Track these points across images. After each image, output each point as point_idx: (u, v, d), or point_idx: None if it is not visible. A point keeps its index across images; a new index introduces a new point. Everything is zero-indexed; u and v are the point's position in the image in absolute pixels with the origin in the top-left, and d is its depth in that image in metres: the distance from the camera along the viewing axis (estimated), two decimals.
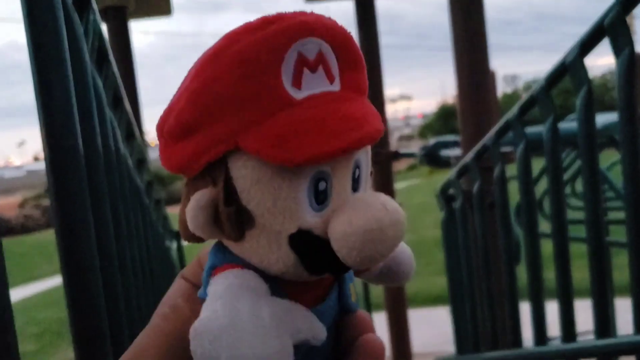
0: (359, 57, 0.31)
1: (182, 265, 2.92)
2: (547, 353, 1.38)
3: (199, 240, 0.32)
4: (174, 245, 2.71)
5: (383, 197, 0.29)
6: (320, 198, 0.29)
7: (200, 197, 0.29)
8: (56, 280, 7.98)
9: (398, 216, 0.28)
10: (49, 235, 13.31)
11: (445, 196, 2.21)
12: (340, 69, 0.30)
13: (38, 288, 7.99)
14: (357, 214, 0.28)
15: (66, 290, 0.55)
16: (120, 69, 0.96)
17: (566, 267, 1.30)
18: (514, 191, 1.64)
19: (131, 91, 3.68)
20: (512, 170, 1.65)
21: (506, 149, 1.71)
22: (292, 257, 0.29)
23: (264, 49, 0.27)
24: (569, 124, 2.76)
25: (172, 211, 2.67)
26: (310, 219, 0.29)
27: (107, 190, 0.68)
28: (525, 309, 1.57)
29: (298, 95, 0.28)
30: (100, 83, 0.73)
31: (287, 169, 0.27)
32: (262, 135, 0.27)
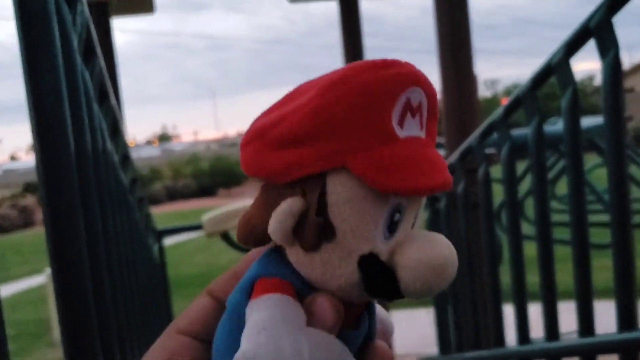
0: (437, 109, 0.35)
1: (163, 265, 2.89)
2: (531, 352, 1.39)
3: (255, 244, 0.34)
4: (156, 246, 2.68)
5: (445, 238, 0.32)
6: (391, 228, 0.31)
7: (293, 204, 0.31)
8: (33, 281, 7.86)
9: (455, 257, 0.32)
10: (25, 236, 13.13)
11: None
12: (427, 119, 0.33)
13: (14, 289, 7.86)
14: (429, 247, 0.31)
15: (55, 287, 0.54)
16: None
17: (550, 265, 1.31)
18: (495, 194, 1.66)
19: (113, 90, 3.63)
20: (494, 173, 1.66)
21: (489, 151, 1.72)
22: (357, 276, 0.31)
23: (384, 86, 0.30)
24: (549, 127, 2.79)
25: (152, 211, 2.64)
26: (381, 244, 0.31)
27: (95, 188, 0.67)
28: (507, 312, 1.58)
29: (401, 134, 0.31)
30: (88, 76, 0.72)
31: (377, 195, 0.30)
32: (369, 161, 0.30)
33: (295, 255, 0.33)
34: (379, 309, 0.40)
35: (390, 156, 0.30)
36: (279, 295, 0.31)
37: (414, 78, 0.31)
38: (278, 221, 0.31)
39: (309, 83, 0.33)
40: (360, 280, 0.31)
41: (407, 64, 0.32)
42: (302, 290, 0.33)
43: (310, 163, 0.31)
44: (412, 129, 0.32)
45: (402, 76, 0.31)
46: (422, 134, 0.33)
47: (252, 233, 0.34)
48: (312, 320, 0.31)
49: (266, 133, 0.32)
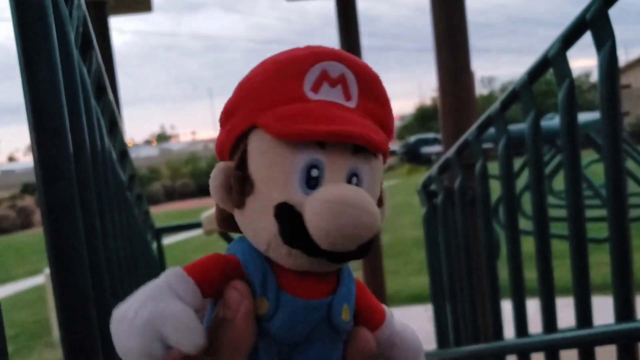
0: (383, 95, 0.37)
1: (162, 263, 2.88)
2: (529, 344, 1.39)
3: (229, 227, 0.38)
4: (154, 244, 2.68)
5: (359, 189, 0.33)
6: (311, 183, 0.33)
7: (221, 164, 0.36)
8: (31, 282, 7.85)
9: (368, 204, 0.32)
10: (24, 236, 13.10)
11: (427, 192, 2.22)
12: (359, 95, 0.36)
13: (13, 289, 7.85)
14: (331, 189, 0.32)
15: (54, 284, 0.54)
16: None
17: (547, 260, 1.31)
18: (492, 189, 1.65)
19: (112, 90, 3.60)
20: (492, 169, 1.66)
21: (487, 145, 1.72)
22: (275, 227, 0.33)
23: (296, 61, 0.35)
24: (545, 123, 2.79)
25: (151, 211, 2.64)
26: (298, 197, 0.33)
27: (94, 183, 0.67)
28: (505, 308, 1.59)
29: (313, 97, 0.35)
30: (85, 71, 0.72)
31: (287, 147, 0.33)
32: (274, 115, 0.34)
33: (238, 220, 0.36)
34: (408, 330, 0.40)
35: (294, 110, 0.34)
36: (181, 271, 0.34)
37: (332, 55, 0.36)
38: (211, 180, 0.36)
39: None
40: (277, 230, 0.33)
41: (329, 47, 0.37)
42: (255, 266, 0.35)
43: (235, 128, 0.36)
44: (331, 96, 0.35)
45: (316, 52, 0.35)
46: (348, 104, 0.36)
47: (220, 216, 0.38)
48: (223, 305, 0.34)
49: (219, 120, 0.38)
